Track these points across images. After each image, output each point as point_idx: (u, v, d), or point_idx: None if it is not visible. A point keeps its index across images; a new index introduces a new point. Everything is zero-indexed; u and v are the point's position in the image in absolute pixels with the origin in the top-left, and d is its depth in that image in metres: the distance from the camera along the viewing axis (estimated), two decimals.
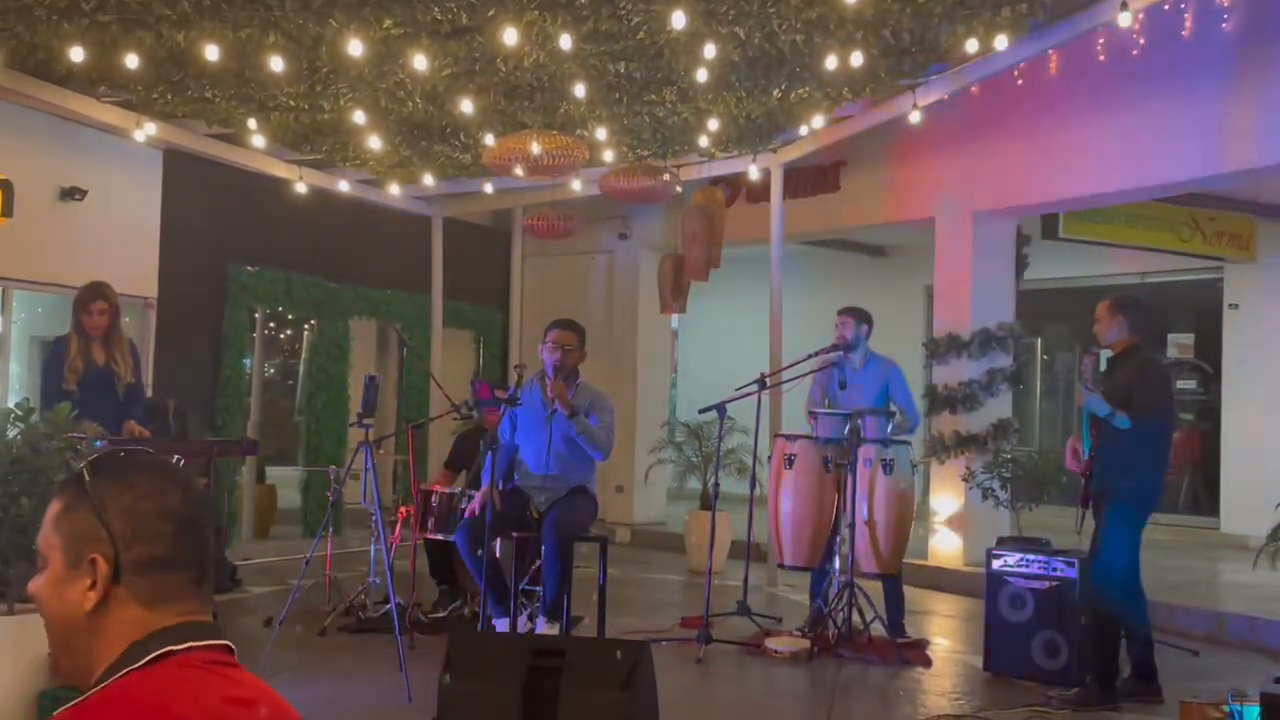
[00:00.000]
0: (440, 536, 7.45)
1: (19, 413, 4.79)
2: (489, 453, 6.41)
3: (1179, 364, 13.19)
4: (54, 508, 1.53)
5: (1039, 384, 14.30)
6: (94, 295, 6.83)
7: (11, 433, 4.75)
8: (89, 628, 1.49)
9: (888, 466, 7.24)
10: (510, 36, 6.92)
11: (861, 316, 7.73)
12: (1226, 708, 4.48)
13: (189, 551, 1.53)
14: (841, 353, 7.67)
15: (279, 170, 10.20)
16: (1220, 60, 8.29)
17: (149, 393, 8.38)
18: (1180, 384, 12.97)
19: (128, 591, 1.48)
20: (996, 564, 6.62)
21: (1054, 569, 6.41)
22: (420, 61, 7.39)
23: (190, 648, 1.46)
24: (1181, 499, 13.01)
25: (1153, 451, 6.05)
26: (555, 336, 6.71)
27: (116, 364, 6.82)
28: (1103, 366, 6.55)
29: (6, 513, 4.53)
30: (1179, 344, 13.44)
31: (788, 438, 7.69)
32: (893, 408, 7.63)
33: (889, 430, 7.46)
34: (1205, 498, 12.93)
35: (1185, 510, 12.94)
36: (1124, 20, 7.24)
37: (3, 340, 9.50)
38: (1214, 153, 8.49)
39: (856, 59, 7.58)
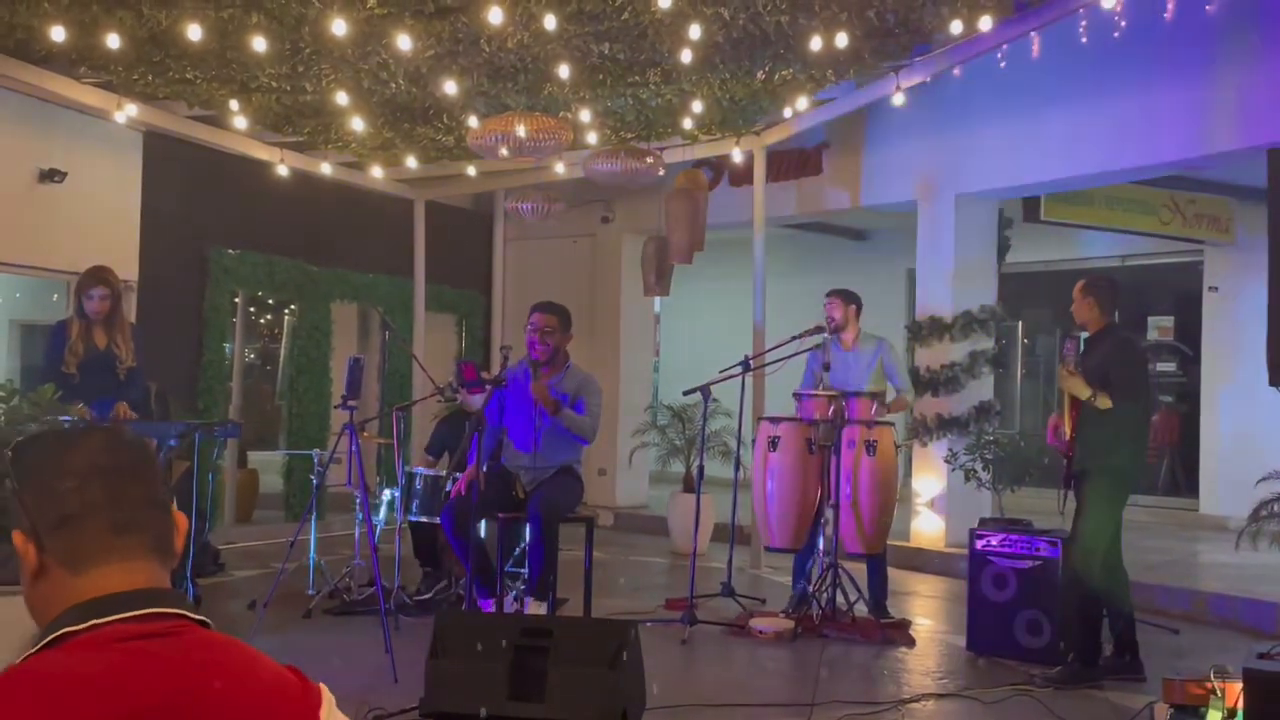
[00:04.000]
0: (425, 519, 7.45)
1: (2, 394, 4.76)
2: (474, 434, 6.40)
3: (1159, 346, 13.26)
4: None
5: (1020, 367, 14.36)
6: (95, 281, 6.82)
7: None
8: (34, 602, 1.49)
9: (871, 448, 7.26)
10: (495, 16, 6.90)
11: (849, 297, 7.77)
12: (1209, 684, 4.52)
13: (97, 500, 1.48)
14: (825, 334, 7.69)
15: (260, 152, 10.14)
16: (1202, 43, 8.31)
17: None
18: (1160, 366, 13.06)
19: (52, 558, 1.46)
20: (980, 544, 6.66)
21: (1036, 549, 6.45)
22: (404, 42, 7.35)
23: (94, 625, 1.40)
24: (1160, 480, 13.10)
25: (1131, 431, 6.09)
26: (537, 320, 6.71)
27: (118, 347, 6.81)
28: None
29: None
30: (1159, 326, 13.52)
31: (771, 420, 7.70)
32: (887, 388, 7.68)
33: (874, 411, 7.48)
34: (1184, 479, 13.02)
35: (1164, 491, 13.03)
36: (1107, 1, 7.26)
37: None
38: (1195, 135, 8.52)
39: (840, 40, 7.57)
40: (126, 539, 1.49)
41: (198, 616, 1.46)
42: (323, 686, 1.52)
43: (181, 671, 1.38)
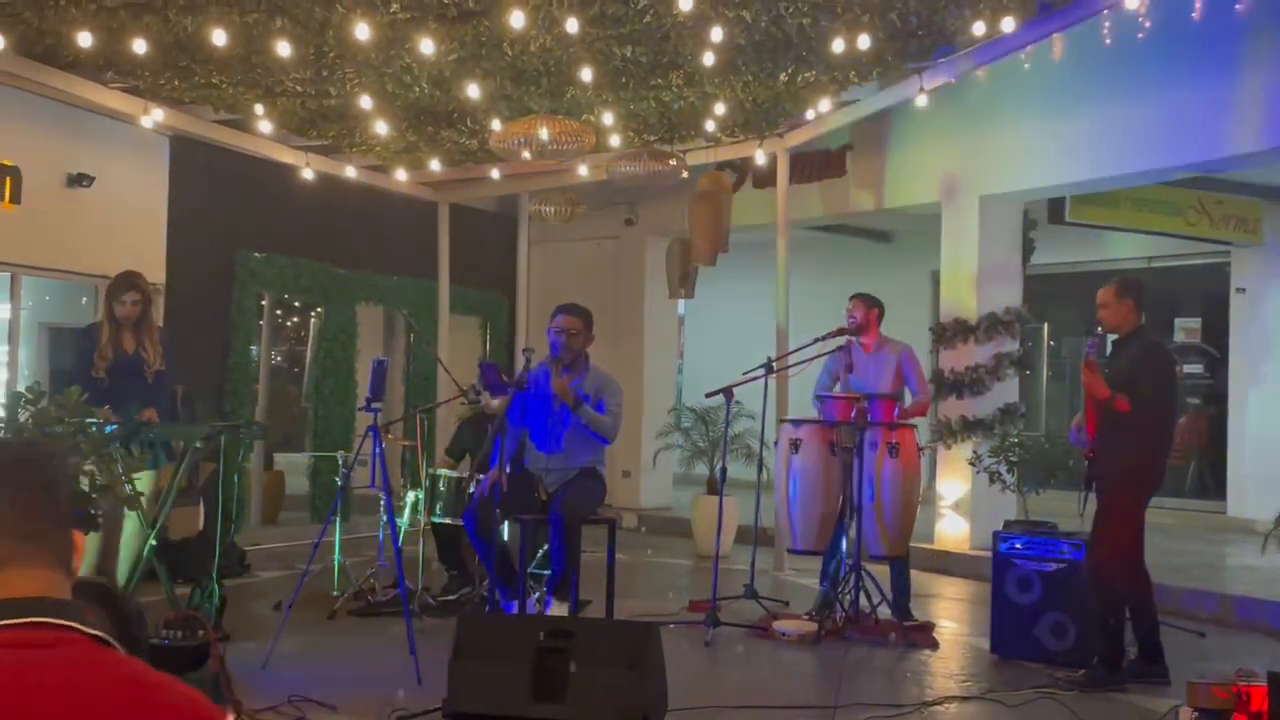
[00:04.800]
0: (449, 520, 7.48)
1: (29, 396, 4.81)
2: (496, 436, 6.42)
3: (1186, 348, 13.18)
4: None
5: (1046, 369, 14.29)
6: (126, 286, 6.88)
7: (23, 416, 4.77)
8: None
9: (894, 450, 7.25)
10: (517, 20, 6.92)
11: (871, 301, 7.77)
12: (1234, 687, 4.50)
13: (4, 511, 1.49)
14: (848, 337, 7.69)
15: (286, 156, 10.20)
16: (1228, 43, 8.26)
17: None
18: (1187, 368, 12.97)
19: None
20: (1004, 546, 6.64)
21: (1061, 551, 6.43)
22: (427, 46, 7.39)
23: None
24: (1188, 483, 13.02)
25: (1154, 434, 6.05)
26: (560, 322, 6.75)
27: (146, 351, 6.88)
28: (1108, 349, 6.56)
29: None
30: (1186, 328, 13.44)
31: (794, 422, 7.70)
32: (906, 392, 7.66)
33: (896, 414, 7.47)
34: (1212, 482, 12.93)
35: (1191, 494, 12.95)
36: (1131, 2, 7.23)
37: (12, 327, 9.52)
38: (1222, 136, 8.47)
39: (863, 42, 7.56)
40: (29, 547, 1.50)
41: (93, 632, 1.44)
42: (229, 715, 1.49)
43: (56, 686, 1.35)
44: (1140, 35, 7.80)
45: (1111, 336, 6.44)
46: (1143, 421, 5.95)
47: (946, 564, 9.80)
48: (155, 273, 9.72)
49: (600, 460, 6.83)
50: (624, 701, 4.61)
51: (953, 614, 8.21)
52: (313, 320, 12.72)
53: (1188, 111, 8.56)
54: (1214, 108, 8.44)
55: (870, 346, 7.73)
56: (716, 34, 7.37)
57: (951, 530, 10.07)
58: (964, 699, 5.79)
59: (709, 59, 7.82)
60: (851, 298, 7.84)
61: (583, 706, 4.61)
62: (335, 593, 7.63)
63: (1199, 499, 12.87)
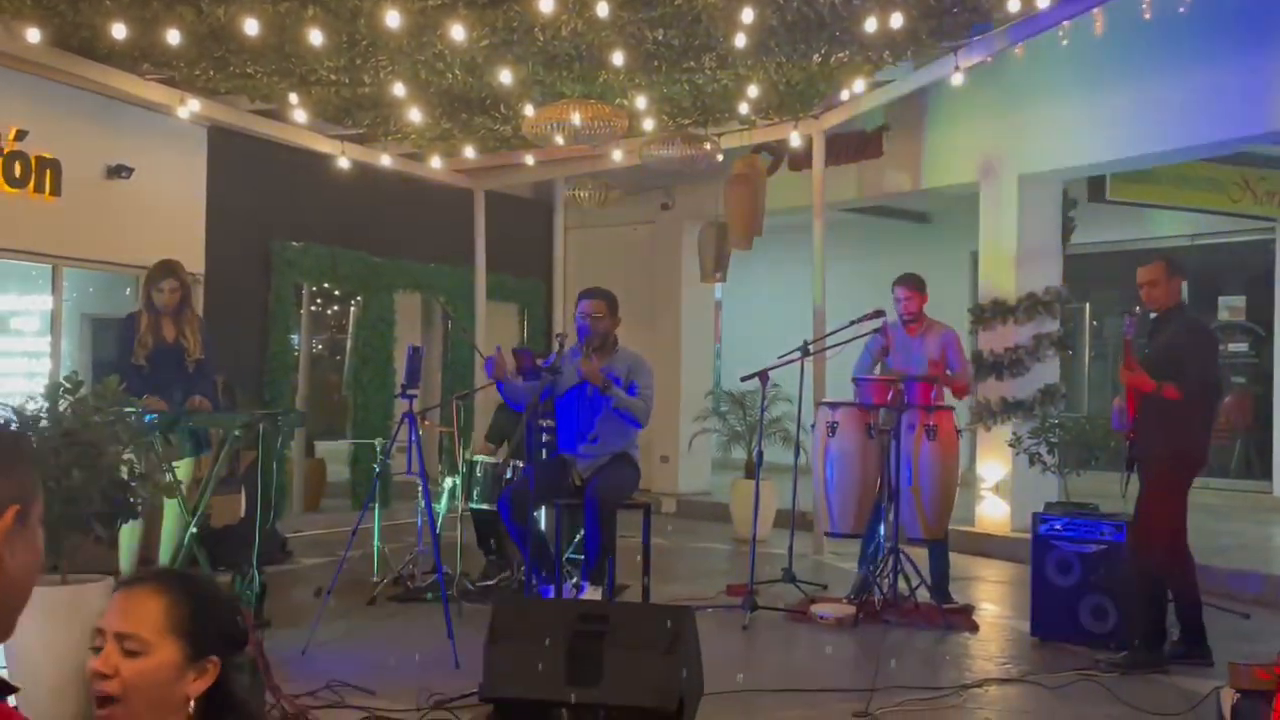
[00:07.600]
0: (486, 506, 7.51)
1: (68, 385, 4.85)
2: (529, 422, 6.43)
3: (1230, 326, 13.01)
4: None
5: (1087, 349, 14.15)
6: (165, 274, 6.94)
7: (62, 406, 4.81)
8: None
9: (931, 432, 7.20)
10: (547, 4, 6.90)
11: (921, 286, 7.63)
12: (1276, 669, 4.43)
13: None
14: (884, 318, 7.63)
15: (321, 145, 10.23)
16: (1270, 16, 8.13)
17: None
18: (1232, 347, 12.80)
19: None
20: (1044, 528, 6.58)
21: (1101, 533, 6.36)
22: (458, 32, 7.38)
23: None
24: (1234, 463, 12.86)
25: (1196, 415, 5.96)
26: (584, 307, 6.75)
27: (186, 340, 6.93)
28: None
29: (59, 484, 4.60)
30: (1230, 306, 13.27)
31: (831, 405, 7.66)
32: (947, 373, 7.59)
33: (934, 396, 7.40)
34: (1258, 462, 12.77)
35: (1238, 474, 12.80)
36: None
37: (54, 318, 9.63)
38: (1264, 111, 8.33)
39: (896, 21, 7.48)
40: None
41: None
42: None
43: None
44: (1181, 9, 7.68)
45: (1151, 314, 6.35)
46: (1187, 402, 5.87)
47: (987, 546, 9.73)
48: (194, 263, 9.79)
49: (633, 445, 6.81)
50: (659, 685, 4.60)
51: (992, 596, 8.16)
52: (351, 309, 12.80)
53: (1229, 86, 8.43)
54: (1256, 82, 8.30)
55: (915, 329, 7.64)
56: (748, 15, 7.31)
57: (991, 512, 9.99)
58: (1003, 681, 5.75)
59: (741, 40, 7.76)
60: (899, 283, 7.69)
61: (618, 690, 4.61)
62: (375, 578, 7.69)
63: (1245, 479, 12.72)
